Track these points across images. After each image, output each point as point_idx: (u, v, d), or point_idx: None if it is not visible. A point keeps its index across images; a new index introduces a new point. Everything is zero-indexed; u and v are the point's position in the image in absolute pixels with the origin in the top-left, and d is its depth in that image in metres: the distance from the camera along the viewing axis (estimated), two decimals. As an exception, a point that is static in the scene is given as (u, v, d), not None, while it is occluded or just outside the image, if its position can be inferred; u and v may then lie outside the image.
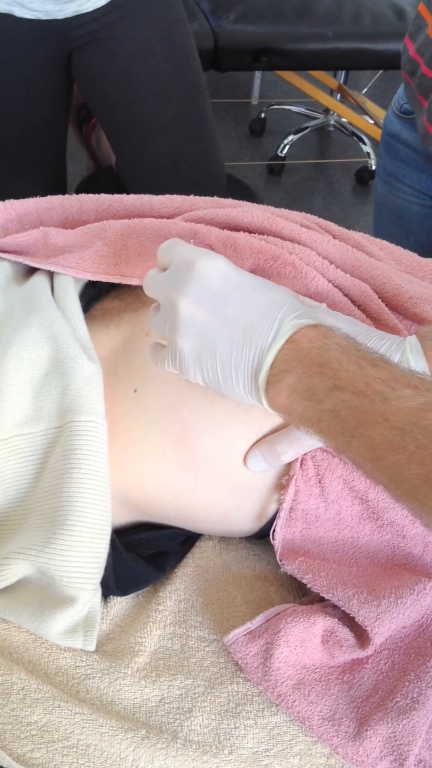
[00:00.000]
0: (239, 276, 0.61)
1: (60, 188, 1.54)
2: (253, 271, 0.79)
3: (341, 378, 0.53)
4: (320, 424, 0.55)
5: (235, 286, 0.60)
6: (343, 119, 3.15)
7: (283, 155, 3.08)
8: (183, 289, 0.60)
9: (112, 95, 1.34)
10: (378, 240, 0.90)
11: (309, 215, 0.89)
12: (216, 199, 0.89)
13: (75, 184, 2.00)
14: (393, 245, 0.90)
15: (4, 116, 1.34)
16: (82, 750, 0.62)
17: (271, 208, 0.86)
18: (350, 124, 3.12)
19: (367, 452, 0.52)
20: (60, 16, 1.22)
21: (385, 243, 0.89)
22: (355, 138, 3.13)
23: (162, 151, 1.38)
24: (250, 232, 0.82)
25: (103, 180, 1.96)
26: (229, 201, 0.89)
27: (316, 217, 0.88)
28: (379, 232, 1.40)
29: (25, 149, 1.41)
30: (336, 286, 0.78)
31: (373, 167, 3.01)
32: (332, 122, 3.26)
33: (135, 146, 1.39)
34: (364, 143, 3.07)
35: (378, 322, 0.77)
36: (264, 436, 0.71)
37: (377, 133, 2.96)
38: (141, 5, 1.27)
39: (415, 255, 0.88)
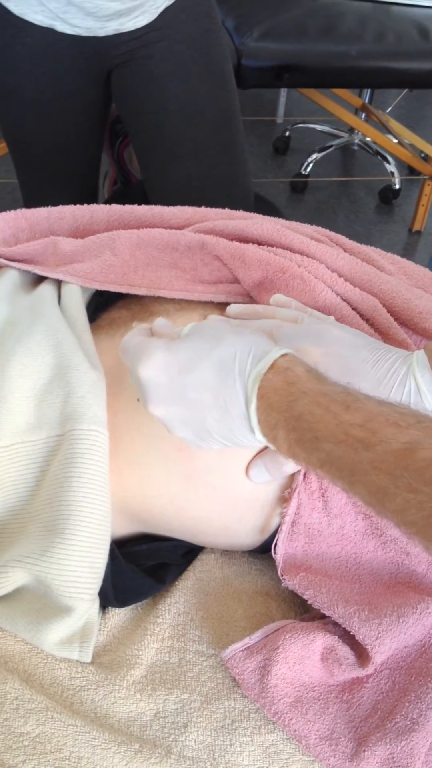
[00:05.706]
0: (175, 359, 0.61)
1: (91, 202, 1.54)
2: (261, 283, 0.79)
3: (319, 430, 0.53)
4: (323, 470, 0.54)
5: (181, 370, 0.60)
6: (368, 138, 3.15)
7: (306, 173, 3.08)
8: (146, 400, 0.62)
9: (146, 114, 1.35)
10: (389, 255, 0.89)
11: (320, 228, 0.88)
12: (227, 211, 0.88)
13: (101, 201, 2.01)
14: (405, 260, 0.89)
15: (41, 128, 1.36)
16: (74, 762, 0.61)
17: (282, 221, 0.86)
18: (374, 143, 3.11)
19: (368, 498, 0.51)
20: (101, 33, 1.23)
21: (396, 258, 0.89)
22: (379, 157, 3.12)
23: (190, 173, 1.38)
24: (260, 244, 0.82)
25: (131, 195, 1.96)
26: (240, 213, 0.89)
27: (328, 231, 0.88)
28: None
29: (59, 162, 1.42)
30: (344, 300, 0.77)
31: (397, 186, 2.99)
32: (356, 141, 3.25)
33: (163, 166, 1.40)
34: (389, 162, 3.06)
35: (386, 336, 0.76)
36: (266, 447, 0.70)
37: (401, 152, 2.95)
38: (180, 28, 1.28)
39: (427, 270, 0.87)
